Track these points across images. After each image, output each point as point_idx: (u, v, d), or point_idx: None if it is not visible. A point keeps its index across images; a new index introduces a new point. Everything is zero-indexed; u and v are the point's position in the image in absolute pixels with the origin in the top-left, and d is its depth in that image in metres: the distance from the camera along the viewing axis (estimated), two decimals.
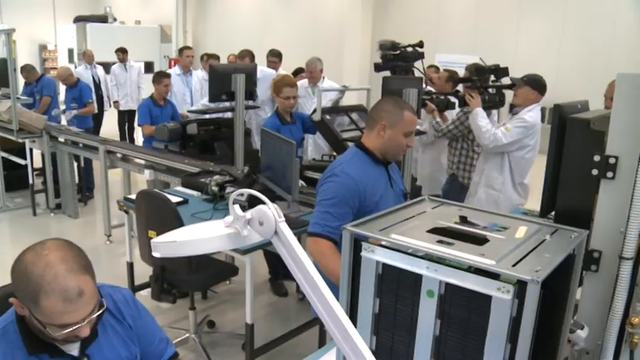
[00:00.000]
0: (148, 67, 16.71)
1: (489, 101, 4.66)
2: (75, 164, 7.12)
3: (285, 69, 7.78)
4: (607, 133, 1.72)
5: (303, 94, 6.18)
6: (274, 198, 4.04)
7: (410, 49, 4.78)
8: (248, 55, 7.34)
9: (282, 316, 4.76)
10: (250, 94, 5.44)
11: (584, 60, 11.01)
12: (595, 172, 1.73)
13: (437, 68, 7.10)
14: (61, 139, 6.74)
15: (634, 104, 1.65)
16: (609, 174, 1.72)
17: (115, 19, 19.16)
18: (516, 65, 12.64)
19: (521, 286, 1.27)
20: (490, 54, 12.74)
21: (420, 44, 4.95)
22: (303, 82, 6.44)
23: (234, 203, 1.15)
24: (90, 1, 22.06)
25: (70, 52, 18.22)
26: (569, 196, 1.80)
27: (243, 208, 1.16)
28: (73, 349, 1.75)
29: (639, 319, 1.77)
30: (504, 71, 4.90)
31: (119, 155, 5.92)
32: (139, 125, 6.40)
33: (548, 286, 1.37)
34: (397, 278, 1.44)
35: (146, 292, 4.08)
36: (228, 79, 5.11)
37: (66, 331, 1.59)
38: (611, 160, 1.70)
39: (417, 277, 1.40)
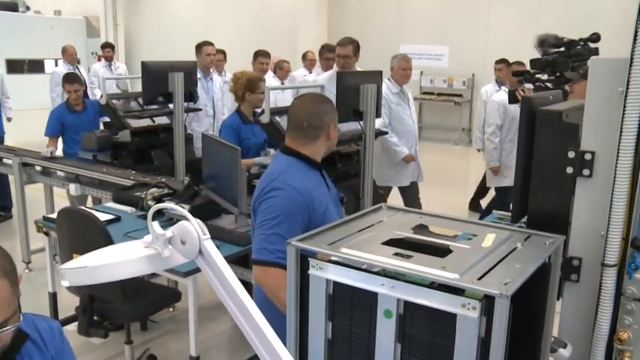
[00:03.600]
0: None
1: None
2: None
3: (235, 65, 7.66)
4: (581, 126, 1.75)
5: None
6: (219, 211, 4.00)
7: (579, 45, 4.63)
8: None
9: (232, 346, 4.69)
10: (190, 95, 5.38)
11: None
12: (570, 170, 1.75)
13: (507, 62, 6.93)
14: None
15: (610, 93, 1.67)
16: (586, 171, 1.74)
17: (28, 8, 18.56)
18: (488, 56, 12.95)
19: (488, 302, 1.27)
20: (460, 44, 13.08)
21: (596, 37, 4.80)
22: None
23: (152, 219, 1.11)
24: None
25: None
26: (542, 198, 1.81)
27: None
28: None
29: (628, 334, 1.79)
30: (564, 64, 4.82)
31: (38, 168, 5.76)
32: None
33: (523, 300, 1.37)
34: (350, 298, 1.43)
35: (73, 327, 3.96)
36: (164, 78, 5.04)
37: None
38: (587, 156, 1.73)
39: (373, 296, 1.39)
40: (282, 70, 8.49)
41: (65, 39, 11.51)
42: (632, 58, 1.58)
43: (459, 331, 1.30)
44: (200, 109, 6.43)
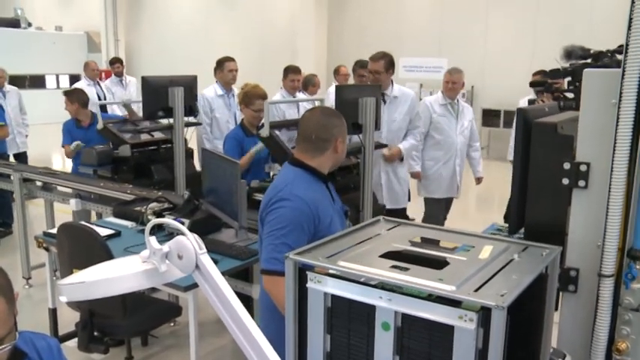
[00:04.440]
0: (75, 80, 16.42)
1: (565, 107, 4.54)
2: None
3: (240, 78, 7.47)
4: (576, 138, 1.76)
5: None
6: (220, 225, 4.00)
7: (607, 57, 4.58)
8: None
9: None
10: (190, 109, 5.40)
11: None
12: (566, 181, 1.76)
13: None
14: None
15: (603, 104, 1.69)
16: (581, 182, 1.75)
17: (29, 25, 18.70)
18: (486, 67, 13.02)
19: (485, 314, 1.28)
20: (458, 56, 13.14)
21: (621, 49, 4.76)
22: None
23: (152, 234, 1.13)
24: None
25: None
26: (539, 210, 1.82)
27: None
28: None
29: (626, 344, 1.79)
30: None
31: (39, 184, 5.78)
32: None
33: (520, 311, 1.38)
34: (348, 311, 1.43)
35: (73, 343, 3.96)
36: (164, 93, 5.07)
37: None
38: (583, 167, 1.74)
39: (371, 309, 1.39)
40: (314, 86, 8.13)
41: (66, 54, 11.48)
42: (623, 70, 1.59)
43: (457, 343, 1.30)
44: (200, 124, 6.44)
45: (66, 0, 20.95)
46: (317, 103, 5.67)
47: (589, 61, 4.45)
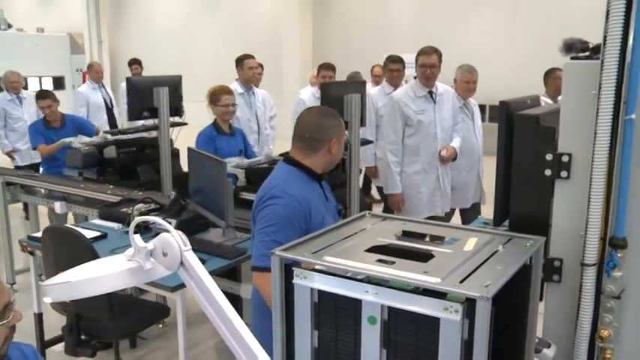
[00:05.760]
0: (58, 82, 16.28)
1: None
2: None
3: (224, 77, 7.33)
4: (558, 129, 1.78)
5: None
6: (207, 225, 4.00)
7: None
8: None
9: (224, 359, 4.69)
10: (176, 109, 5.39)
11: (542, 50, 11.39)
12: (548, 172, 1.78)
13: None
14: None
15: (583, 95, 1.71)
16: (563, 173, 1.77)
17: (9, 26, 18.52)
18: (472, 60, 13.01)
19: (470, 305, 1.29)
20: (443, 50, 13.13)
21: None
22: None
23: (135, 232, 1.13)
24: None
25: None
26: (522, 201, 1.84)
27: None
28: None
29: (609, 332, 1.81)
30: None
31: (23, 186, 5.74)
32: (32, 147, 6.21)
33: (505, 302, 1.39)
34: (335, 306, 1.44)
35: (60, 347, 3.93)
36: (149, 93, 5.06)
37: None
38: (564, 158, 1.76)
39: (357, 303, 1.40)
40: None
41: (49, 56, 11.33)
42: (602, 62, 1.61)
43: (443, 335, 1.31)
44: (186, 124, 6.41)
45: (47, 1, 20.82)
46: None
47: (588, 54, 4.51)
